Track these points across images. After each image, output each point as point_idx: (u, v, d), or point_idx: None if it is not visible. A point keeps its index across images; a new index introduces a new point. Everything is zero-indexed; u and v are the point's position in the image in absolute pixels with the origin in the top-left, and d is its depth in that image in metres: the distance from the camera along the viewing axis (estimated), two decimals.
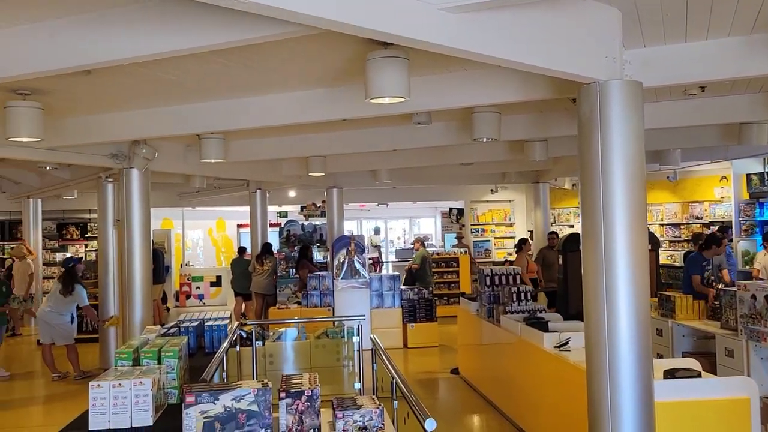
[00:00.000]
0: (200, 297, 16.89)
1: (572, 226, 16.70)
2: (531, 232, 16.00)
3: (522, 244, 11.80)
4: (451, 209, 17.74)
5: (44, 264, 15.59)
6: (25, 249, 14.17)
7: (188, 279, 17.00)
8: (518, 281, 7.73)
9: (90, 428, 3.92)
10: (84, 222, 16.80)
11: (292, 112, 6.60)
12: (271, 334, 8.22)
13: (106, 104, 7.01)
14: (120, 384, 4.03)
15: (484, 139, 7.18)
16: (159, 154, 8.84)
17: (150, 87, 6.19)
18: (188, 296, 16.90)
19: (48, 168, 10.99)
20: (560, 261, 9.53)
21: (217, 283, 16.91)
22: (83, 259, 11.37)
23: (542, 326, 6.02)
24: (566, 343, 5.54)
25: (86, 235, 16.67)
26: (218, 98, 6.77)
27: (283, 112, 6.63)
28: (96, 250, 14.51)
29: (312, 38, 4.28)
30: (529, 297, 7.17)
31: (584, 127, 4.29)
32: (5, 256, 15.54)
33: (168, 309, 14.36)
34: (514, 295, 7.15)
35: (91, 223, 16.62)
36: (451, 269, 14.77)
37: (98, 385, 3.97)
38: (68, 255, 15.95)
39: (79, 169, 11.23)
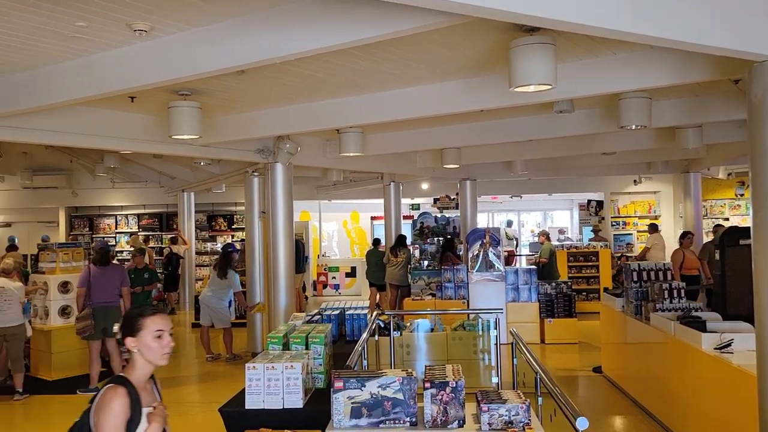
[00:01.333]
0: (336, 287, 17.48)
1: (727, 219, 15.38)
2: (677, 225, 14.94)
3: (682, 238, 11.02)
4: (589, 201, 16.99)
5: (197, 253, 16.85)
6: (180, 239, 15.40)
7: (325, 269, 17.65)
8: (669, 277, 7.23)
9: (246, 407, 4.17)
10: (231, 214, 17.94)
11: (431, 103, 6.61)
12: (408, 324, 8.32)
13: (254, 102, 7.41)
14: (273, 367, 4.25)
15: (633, 127, 6.78)
16: (301, 148, 9.22)
17: (296, 84, 6.46)
18: (325, 286, 17.55)
19: (201, 163, 11.85)
20: (717, 256, 8.80)
21: (352, 273, 17.40)
22: (239, 248, 12.09)
23: (700, 326, 5.59)
24: (728, 345, 5.10)
25: (233, 226, 17.80)
26: (358, 93, 6.93)
27: (422, 104, 6.66)
28: (241, 240, 15.49)
29: (455, 28, 4.25)
30: (682, 294, 6.69)
31: (756, 110, 3.91)
32: (164, 245, 16.97)
33: (306, 298, 14.99)
34: (666, 291, 6.70)
35: (237, 215, 17.73)
36: (590, 263, 14.16)
37: (254, 367, 4.21)
38: (219, 245, 17.17)
39: (228, 164, 12.00)
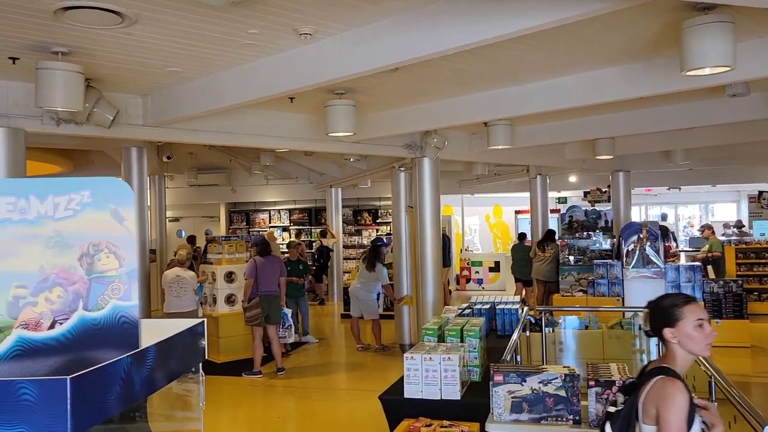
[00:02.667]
0: (479, 281, 17.37)
1: None
2: None
3: None
4: (761, 192, 15.49)
5: (344, 246, 17.49)
6: (329, 232, 16.06)
7: (468, 264, 17.60)
8: None
9: (405, 396, 4.28)
10: (375, 208, 18.42)
11: (585, 93, 6.36)
12: (560, 321, 8.08)
13: (404, 98, 7.55)
14: (430, 358, 4.32)
15: None
16: (447, 143, 9.25)
17: (447, 79, 6.49)
18: (468, 280, 17.50)
19: (351, 160, 12.27)
20: None
21: (496, 268, 17.20)
22: (387, 242, 12.39)
23: None
24: None
25: (377, 220, 18.27)
26: (507, 85, 6.83)
27: (576, 94, 6.43)
28: (387, 235, 15.85)
29: (620, 12, 4.05)
30: None
31: None
32: (313, 239, 17.79)
33: (450, 292, 15.04)
34: None
35: (381, 209, 18.16)
36: (763, 261, 12.90)
37: (411, 357, 4.30)
38: (364, 239, 17.70)
39: (375, 160, 12.32)
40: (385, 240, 12.72)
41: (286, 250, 11.41)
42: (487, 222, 19.90)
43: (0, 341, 1.62)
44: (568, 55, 5.67)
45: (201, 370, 1.88)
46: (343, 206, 17.24)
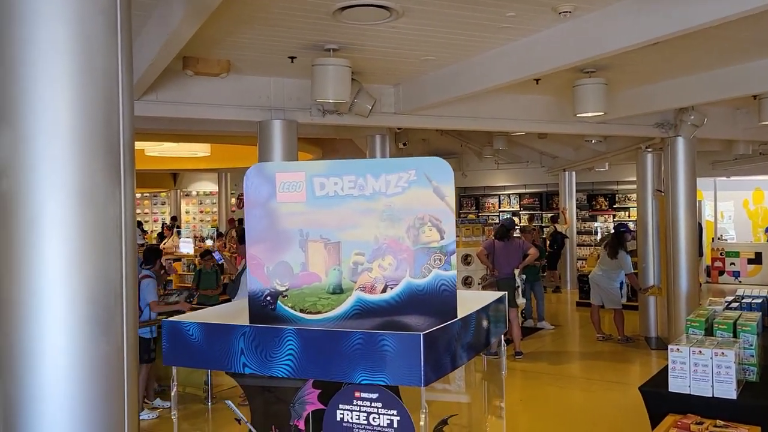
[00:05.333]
0: (735, 274, 15.57)
1: None
2: None
3: None
4: None
5: (577, 233, 16.88)
6: (563, 217, 15.61)
7: (721, 254, 15.88)
8: None
9: (669, 389, 4.02)
10: (612, 193, 17.47)
11: None
12: None
13: (659, 73, 7.02)
14: (700, 352, 4.00)
15: None
16: (705, 120, 8.42)
17: (713, 48, 5.91)
18: (721, 272, 15.80)
19: (593, 141, 11.74)
20: None
21: (756, 260, 15.28)
22: (632, 229, 11.73)
23: None
24: None
25: (614, 206, 17.31)
26: None
27: None
28: (624, 222, 14.96)
29: None
30: None
31: None
32: (545, 224, 17.45)
33: (700, 284, 13.74)
34: None
35: (618, 194, 17.16)
36: None
37: (678, 349, 4.03)
38: (598, 224, 16.91)
39: (616, 141, 11.65)
40: (629, 227, 12.01)
41: (519, 234, 11.35)
42: (745, 208, 17.73)
43: (342, 301, 1.86)
44: None
45: (503, 340, 1.97)
46: (576, 190, 16.63)
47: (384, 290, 1.82)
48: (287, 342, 1.58)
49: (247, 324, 1.78)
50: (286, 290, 1.87)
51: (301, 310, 1.86)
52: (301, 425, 1.82)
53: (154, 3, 4.31)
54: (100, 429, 2.01)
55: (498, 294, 1.98)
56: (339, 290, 1.84)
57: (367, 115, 6.64)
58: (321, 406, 1.81)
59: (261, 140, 6.95)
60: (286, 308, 1.86)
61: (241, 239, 7.40)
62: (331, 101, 5.86)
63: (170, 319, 1.73)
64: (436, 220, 1.81)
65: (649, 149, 10.11)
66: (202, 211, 23.25)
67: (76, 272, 2.04)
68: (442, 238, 1.80)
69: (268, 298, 1.87)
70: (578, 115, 6.67)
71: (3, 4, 1.97)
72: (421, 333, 1.43)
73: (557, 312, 12.84)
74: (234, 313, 2.00)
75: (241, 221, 19.49)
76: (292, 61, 6.01)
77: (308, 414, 1.82)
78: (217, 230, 19.80)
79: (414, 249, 1.82)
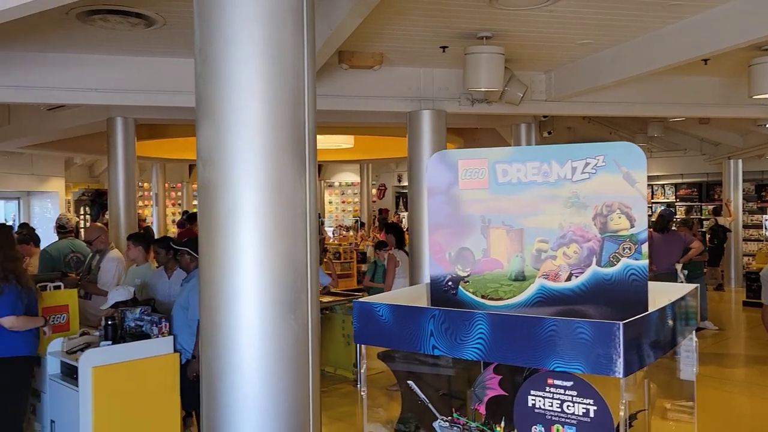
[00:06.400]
0: None
1: None
2: None
3: None
4: None
5: (744, 226, 15.49)
6: (726, 209, 14.39)
7: None
8: None
9: None
10: None
11: None
12: None
13: None
14: None
15: None
16: None
17: None
18: None
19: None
20: None
21: None
22: None
23: None
24: None
25: None
26: None
27: None
28: None
29: None
30: None
31: None
32: (704, 217, 16.17)
33: None
34: None
35: None
36: None
37: None
38: (767, 217, 15.39)
39: None
40: None
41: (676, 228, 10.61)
42: None
43: (525, 288, 1.85)
44: None
45: (695, 336, 1.87)
46: (743, 180, 15.23)
47: (568, 278, 1.79)
48: (477, 326, 1.60)
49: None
50: (468, 276, 1.90)
51: (483, 296, 1.87)
52: (482, 409, 1.84)
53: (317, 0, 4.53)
54: (289, 399, 2.16)
55: (690, 286, 1.87)
56: (521, 277, 1.83)
57: (519, 103, 6.52)
58: (502, 392, 1.82)
59: (410, 130, 7.06)
60: (468, 293, 1.88)
61: (388, 229, 7.57)
62: (483, 90, 5.82)
63: (360, 300, 1.81)
64: (626, 208, 1.75)
65: None
66: (344, 201, 24.07)
67: (267, 256, 2.20)
68: (632, 225, 1.74)
69: (450, 283, 1.91)
70: (754, 97, 6.10)
71: (209, 10, 2.17)
72: (621, 323, 1.39)
73: (720, 311, 11.89)
74: (408, 297, 2.06)
75: (381, 211, 19.96)
76: (443, 51, 6.04)
77: (488, 398, 1.83)
78: (359, 220, 20.43)
79: (601, 237, 1.76)
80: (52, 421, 4.51)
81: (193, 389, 4.65)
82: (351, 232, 17.14)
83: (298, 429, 2.18)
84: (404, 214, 19.18)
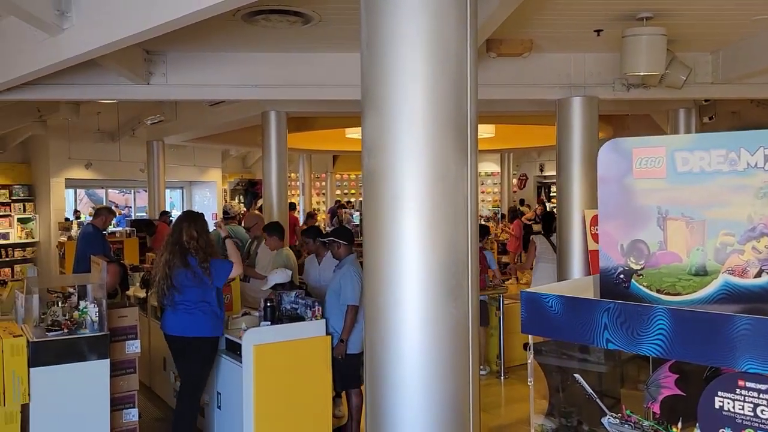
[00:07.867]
0: None
1: None
2: None
3: None
4: None
5: None
6: None
7: None
8: None
9: None
10: None
11: None
12: None
13: None
14: None
15: None
16: None
17: None
18: None
19: None
20: None
21: None
22: None
23: None
24: None
25: None
26: None
27: None
28: None
29: None
30: None
31: None
32: None
33: None
34: None
35: None
36: None
37: None
38: None
39: None
40: None
41: None
42: None
43: (707, 284, 1.74)
44: None
45: None
46: None
47: (758, 275, 1.65)
48: (657, 321, 1.53)
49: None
50: (642, 269, 1.81)
51: (658, 291, 1.78)
52: (656, 408, 1.76)
53: None
54: (450, 380, 2.20)
55: None
56: (703, 272, 1.72)
57: (681, 86, 6.09)
58: (678, 392, 1.73)
59: (560, 118, 6.84)
60: (642, 287, 1.80)
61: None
62: (642, 74, 5.50)
63: (529, 290, 1.80)
64: None
65: None
66: (483, 192, 23.82)
67: (430, 243, 2.25)
68: None
69: (621, 276, 1.83)
70: None
71: (375, 5, 2.24)
72: None
73: None
74: (573, 288, 2.01)
75: (522, 201, 19.53)
76: (598, 35, 5.78)
77: (664, 397, 1.75)
78: (499, 211, 20.15)
79: None
80: (219, 393, 4.92)
81: (342, 371, 4.87)
82: (491, 223, 16.96)
83: (459, 416, 2.22)
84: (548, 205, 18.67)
